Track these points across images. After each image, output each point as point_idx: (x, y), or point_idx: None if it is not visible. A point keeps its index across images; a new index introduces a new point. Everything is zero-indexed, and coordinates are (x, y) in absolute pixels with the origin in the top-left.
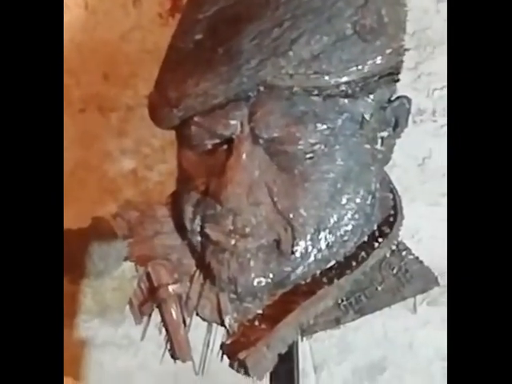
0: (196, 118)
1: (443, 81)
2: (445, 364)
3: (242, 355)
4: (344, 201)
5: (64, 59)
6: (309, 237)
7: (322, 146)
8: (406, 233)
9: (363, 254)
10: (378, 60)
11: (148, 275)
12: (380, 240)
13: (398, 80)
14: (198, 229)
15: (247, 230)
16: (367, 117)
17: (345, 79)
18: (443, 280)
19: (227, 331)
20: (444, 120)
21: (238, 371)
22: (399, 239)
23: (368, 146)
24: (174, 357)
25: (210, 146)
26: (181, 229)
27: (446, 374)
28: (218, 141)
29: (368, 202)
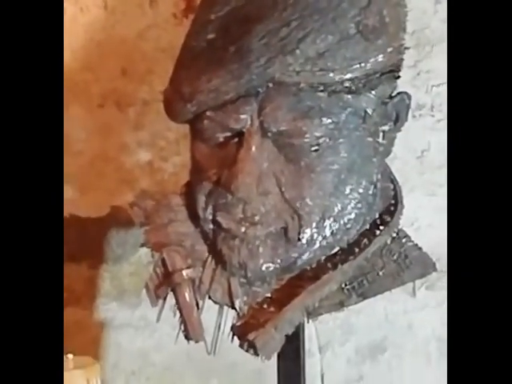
0: (208, 113)
1: (441, 78)
2: (441, 344)
3: (251, 336)
4: (347, 191)
5: (84, 56)
6: (314, 225)
7: (327, 139)
8: (406, 221)
9: (365, 240)
10: (380, 58)
11: (163, 261)
12: (381, 228)
13: (398, 77)
14: (210, 217)
15: (256, 218)
16: (369, 111)
17: (348, 76)
18: (441, 265)
19: (237, 313)
20: (441, 115)
21: (247, 351)
22: (399, 227)
23: (370, 139)
24: (187, 337)
25: (221, 139)
26: (194, 217)
27: (444, 353)
28: (229, 134)
29: (370, 192)
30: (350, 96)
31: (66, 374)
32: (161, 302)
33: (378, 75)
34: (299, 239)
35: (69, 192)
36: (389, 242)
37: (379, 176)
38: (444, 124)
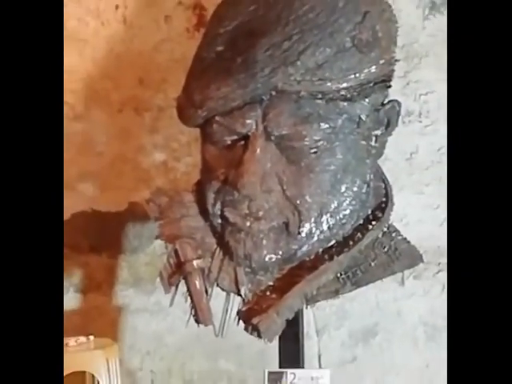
0: (217, 118)
1: (428, 87)
2: (427, 329)
3: (255, 320)
4: (343, 189)
5: (105, 66)
6: (313, 220)
7: (325, 143)
8: (396, 217)
9: (359, 234)
10: (373, 69)
11: (176, 252)
12: (373, 223)
13: (389, 86)
14: (219, 212)
15: (260, 213)
16: (363, 117)
17: (344, 85)
18: (427, 257)
19: (243, 300)
20: (428, 121)
21: (251, 334)
22: (390, 222)
23: (364, 143)
24: (197, 321)
25: (229, 142)
26: (204, 212)
27: (431, 337)
28: (235, 137)
29: (363, 190)
30: (345, 103)
31: (87, 354)
32: (173, 289)
33: (371, 85)
34: (299, 233)
35: (90, 189)
36: (380, 235)
37: (372, 176)
38: (431, 129)
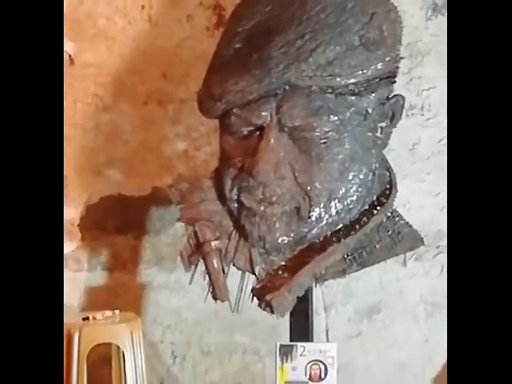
0: (235, 110)
1: (430, 83)
2: (427, 306)
3: (268, 297)
4: (350, 177)
5: (131, 62)
6: (322, 205)
7: (334, 134)
8: (399, 203)
9: (365, 219)
10: (379, 66)
11: (195, 233)
12: (378, 208)
13: (394, 82)
14: (235, 197)
15: (274, 198)
16: (370, 110)
17: (352, 80)
18: (427, 240)
19: (257, 278)
20: (430, 114)
21: (264, 310)
22: (393, 208)
23: (370, 134)
24: (214, 298)
25: (245, 132)
26: (221, 197)
27: (430, 314)
28: (251, 128)
29: (369, 178)
30: (353, 97)
31: (113, 327)
32: (193, 267)
33: (377, 80)
34: (309, 217)
35: (117, 175)
36: (384, 220)
37: (377, 165)
38: (432, 122)
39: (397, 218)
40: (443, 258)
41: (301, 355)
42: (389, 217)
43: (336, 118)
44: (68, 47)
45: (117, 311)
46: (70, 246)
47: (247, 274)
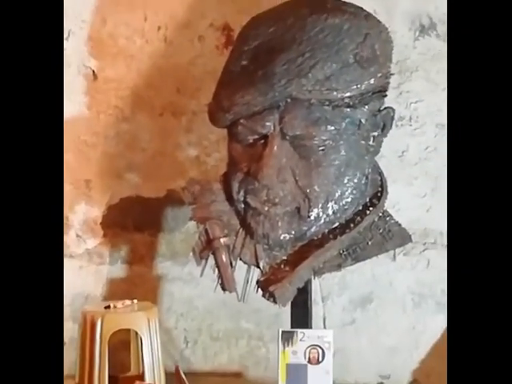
0: (241, 121)
1: (418, 97)
2: (414, 297)
3: (271, 288)
4: (346, 181)
5: (148, 77)
6: (320, 206)
7: (331, 142)
8: (389, 204)
9: (358, 218)
10: (372, 81)
11: (206, 231)
12: (371, 209)
13: (385, 95)
14: (242, 199)
15: (277, 200)
16: (363, 121)
17: (348, 94)
18: (415, 237)
19: (261, 271)
20: (417, 124)
21: (268, 300)
22: (384, 208)
23: (363, 142)
24: (223, 289)
25: (251, 140)
26: (229, 198)
27: (417, 304)
28: (256, 137)
29: (363, 181)
30: (348, 109)
31: (132, 315)
32: (203, 261)
33: (370, 94)
34: (309, 216)
35: (135, 179)
36: (376, 219)
37: (370, 170)
38: (419, 131)
39: (387, 218)
40: (429, 254)
41: (301, 340)
42: (380, 216)
43: (333, 127)
44: (92, 64)
45: (135, 300)
46: (93, 242)
47: (252, 267)
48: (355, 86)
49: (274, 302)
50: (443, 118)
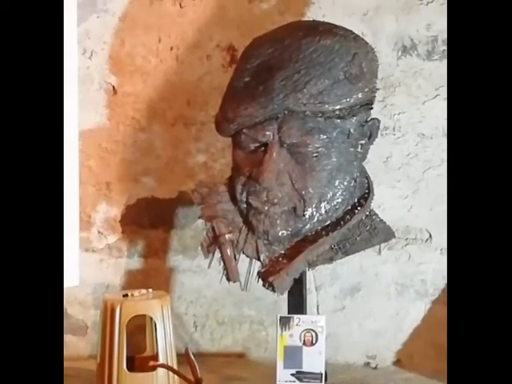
0: (244, 130)
1: (400, 109)
2: (398, 287)
3: (271, 279)
4: (336, 183)
5: (162, 92)
6: (314, 206)
7: (323, 149)
8: (375, 204)
9: (348, 217)
10: (360, 95)
11: (213, 228)
12: (359, 208)
13: (371, 108)
14: (245, 199)
15: (275, 200)
16: (352, 131)
17: (338, 107)
18: (398, 234)
19: (262, 264)
20: (400, 133)
21: (268, 289)
22: (371, 208)
23: (352, 149)
24: (228, 279)
25: (252, 148)
26: (233, 199)
27: (400, 293)
28: (257, 144)
29: (352, 184)
30: (339, 120)
31: (147, 302)
32: (211, 255)
33: (358, 107)
34: (304, 215)
35: (151, 182)
36: (364, 218)
37: (358, 174)
38: (401, 140)
39: (373, 217)
40: (410, 248)
41: (296, 325)
42: (367, 215)
43: (325, 136)
44: (112, 80)
45: (150, 289)
46: (113, 238)
47: (254, 260)
48: (345, 100)
49: (273, 290)
50: (423, 128)
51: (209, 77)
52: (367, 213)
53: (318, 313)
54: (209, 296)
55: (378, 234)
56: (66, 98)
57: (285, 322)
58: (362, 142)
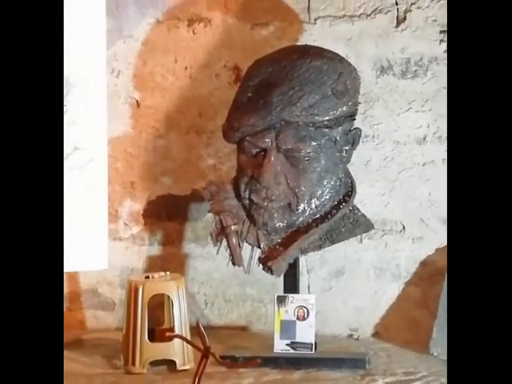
0: (247, 138)
1: (378, 120)
2: (376, 271)
3: (269, 263)
4: (325, 183)
5: (177, 105)
6: (306, 201)
7: (314, 154)
8: (357, 200)
9: (334, 211)
10: (344, 108)
11: (220, 220)
12: (343, 204)
13: (354, 119)
14: (247, 196)
15: (273, 197)
16: (338, 138)
17: (326, 118)
18: (376, 225)
19: (262, 251)
20: (378, 140)
21: (267, 272)
22: (353, 204)
23: (338, 154)
24: (233, 263)
25: (254, 153)
26: (238, 196)
27: (379, 276)
28: (258, 150)
29: (337, 183)
30: (327, 129)
31: (165, 283)
32: (219, 243)
33: (343, 118)
34: (297, 210)
35: (168, 181)
36: (347, 212)
37: (343, 175)
38: (379, 146)
39: (356, 211)
40: (387, 238)
41: (291, 302)
42: (350, 210)
43: (315, 143)
44: (135, 95)
45: (168, 272)
46: (136, 229)
47: (255, 248)
48: (332, 112)
49: (271, 273)
50: (398, 136)
51: (217, 92)
52: (350, 208)
53: (309, 292)
54: (217, 278)
55: (360, 225)
56: (97, 110)
57: (281, 300)
58: (347, 147)
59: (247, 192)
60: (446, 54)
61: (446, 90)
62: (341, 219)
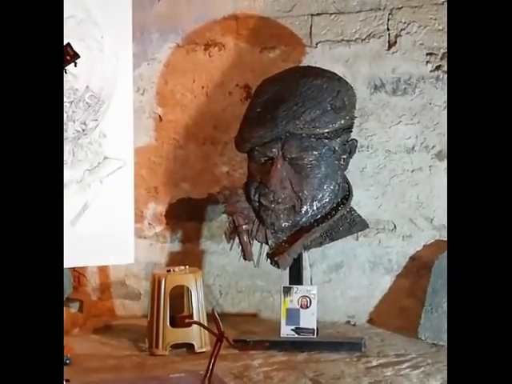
0: (257, 148)
1: (372, 132)
2: (371, 265)
3: (276, 258)
4: (325, 187)
5: (195, 119)
6: (308, 204)
7: (315, 162)
8: (354, 202)
9: (333, 212)
10: (342, 122)
11: (233, 220)
12: (341, 206)
13: (351, 131)
14: (257, 199)
15: (279, 200)
16: (337, 148)
17: (326, 130)
18: (371, 225)
19: (269, 247)
20: (372, 150)
21: (274, 266)
22: (350, 206)
23: (336, 162)
24: (245, 258)
25: (262, 161)
26: (248, 199)
27: (373, 269)
28: (266, 158)
29: (336, 188)
30: (327, 140)
31: (184, 275)
32: (232, 241)
33: (341, 130)
34: (300, 211)
35: (187, 186)
36: (345, 213)
37: (341, 180)
38: (373, 155)
39: (353, 212)
40: (380, 236)
41: (295, 293)
42: (348, 211)
43: (316, 152)
44: (158, 111)
45: (187, 266)
46: (159, 228)
47: (264, 244)
48: (331, 125)
49: (278, 267)
50: (390, 146)
51: (230, 108)
52: (348, 209)
53: (311, 284)
54: (230, 271)
55: (356, 225)
56: (125, 124)
57: (287, 291)
58: (344, 156)
59: (257, 195)
60: (433, 73)
61: (431, 106)
62: (339, 219)
